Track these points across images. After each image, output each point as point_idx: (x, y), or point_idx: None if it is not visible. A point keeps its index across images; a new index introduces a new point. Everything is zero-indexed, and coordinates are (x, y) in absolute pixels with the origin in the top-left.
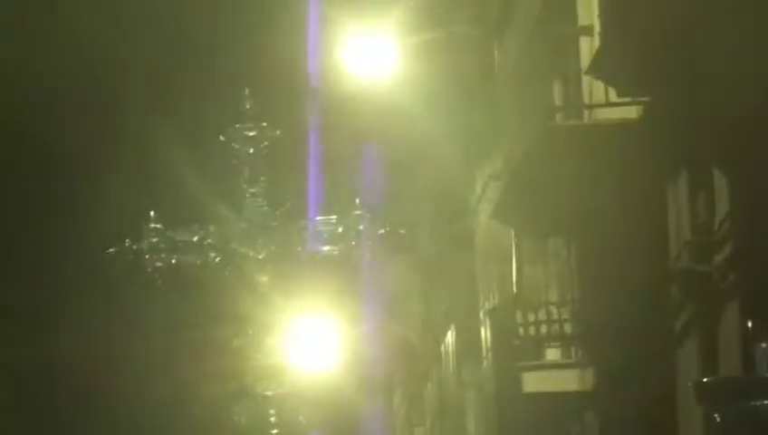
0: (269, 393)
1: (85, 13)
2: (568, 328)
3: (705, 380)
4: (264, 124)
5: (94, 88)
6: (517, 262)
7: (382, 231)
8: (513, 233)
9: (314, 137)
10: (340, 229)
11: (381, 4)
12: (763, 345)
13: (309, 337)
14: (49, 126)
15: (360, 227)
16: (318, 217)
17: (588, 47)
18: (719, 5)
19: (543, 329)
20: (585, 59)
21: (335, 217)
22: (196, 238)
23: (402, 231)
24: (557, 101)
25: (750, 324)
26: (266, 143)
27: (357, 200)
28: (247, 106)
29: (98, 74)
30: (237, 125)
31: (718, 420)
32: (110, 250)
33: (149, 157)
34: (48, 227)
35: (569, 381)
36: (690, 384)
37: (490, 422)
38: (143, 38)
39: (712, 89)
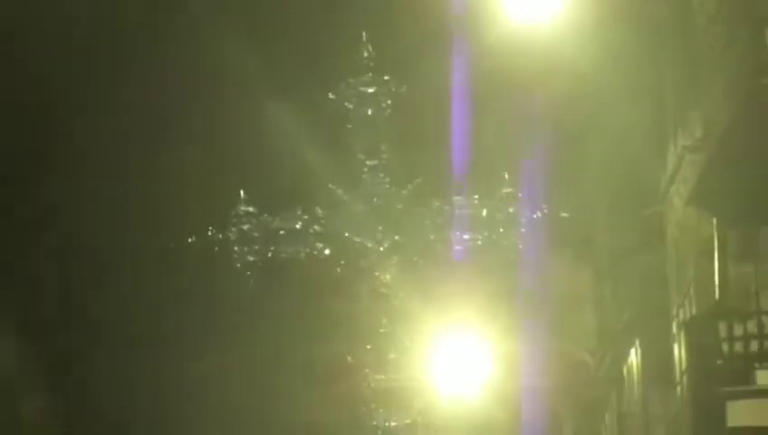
0: (392, 424)
1: None
2: None
3: None
4: (387, 78)
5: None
6: (720, 259)
7: (537, 214)
8: (715, 222)
9: (451, 95)
10: (483, 213)
11: None
12: None
13: (446, 355)
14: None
15: (511, 210)
16: (456, 198)
17: None
18: None
19: (754, 345)
20: None
21: (477, 196)
22: (299, 225)
23: (564, 214)
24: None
25: None
26: (389, 102)
27: (506, 175)
28: (365, 54)
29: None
30: (351, 79)
31: None
32: (190, 240)
33: (238, 123)
34: (114, 214)
35: None
36: None
37: None
38: None
39: None
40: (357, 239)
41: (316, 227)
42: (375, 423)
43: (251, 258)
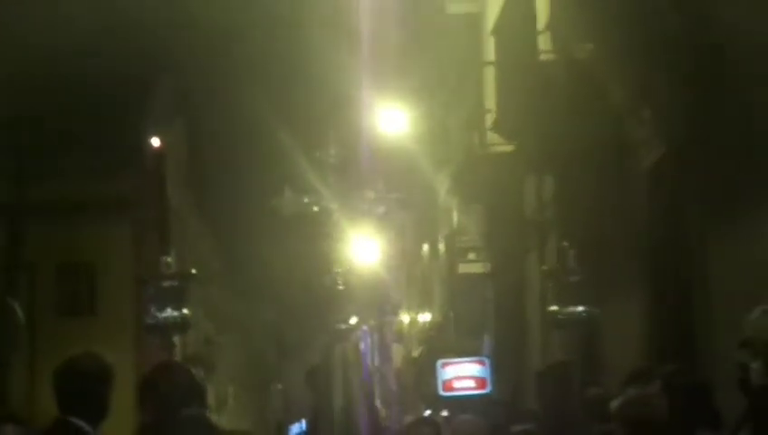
0: (338, 269)
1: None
2: (479, 244)
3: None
4: (335, 151)
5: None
6: (457, 214)
7: (393, 196)
8: (455, 201)
9: (367, 157)
10: (372, 195)
11: (399, 89)
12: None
13: (363, 245)
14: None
15: (382, 195)
16: (370, 197)
17: (490, 117)
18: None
19: (468, 244)
20: (489, 122)
21: (375, 197)
22: (306, 200)
23: (403, 196)
24: (477, 141)
25: (565, 243)
26: (340, 157)
27: (380, 184)
28: (331, 139)
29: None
30: (323, 151)
31: None
32: (270, 205)
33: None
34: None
35: (478, 267)
36: (543, 268)
37: (444, 286)
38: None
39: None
40: (331, 206)
41: (315, 201)
42: (336, 270)
43: (294, 211)
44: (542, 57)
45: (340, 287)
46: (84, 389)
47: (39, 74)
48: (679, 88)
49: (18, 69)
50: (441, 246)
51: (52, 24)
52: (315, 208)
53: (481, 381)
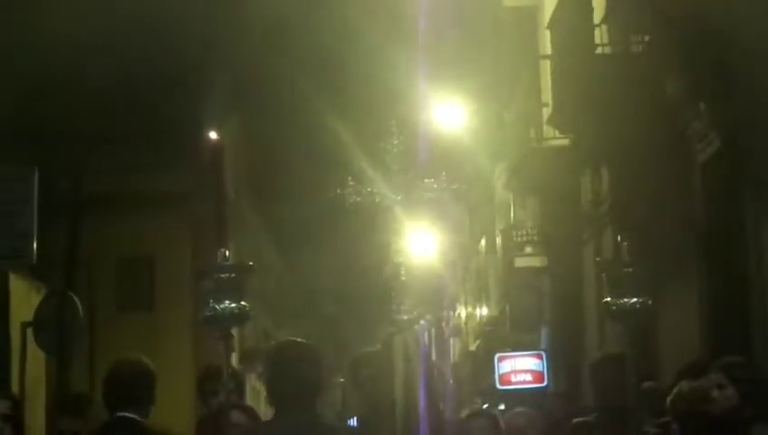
0: (400, 260)
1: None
2: (536, 238)
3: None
4: (398, 141)
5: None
6: (514, 208)
7: (455, 186)
8: (512, 195)
9: (425, 150)
10: (435, 185)
11: (456, 83)
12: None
13: (421, 238)
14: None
15: (444, 185)
16: (425, 181)
17: (546, 111)
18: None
19: (524, 238)
20: (545, 116)
21: (433, 180)
22: (369, 189)
23: (465, 186)
24: (533, 135)
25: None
26: (402, 148)
27: (443, 174)
28: (393, 129)
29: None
30: (386, 140)
31: None
32: (332, 194)
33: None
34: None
35: (535, 261)
36: (597, 260)
37: (500, 280)
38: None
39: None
40: (391, 196)
41: (377, 191)
42: (395, 261)
43: (352, 201)
44: (599, 51)
45: (403, 278)
46: (128, 390)
47: (96, 70)
48: (734, 81)
49: (75, 64)
50: (498, 240)
51: (109, 19)
52: (377, 199)
53: (538, 375)
